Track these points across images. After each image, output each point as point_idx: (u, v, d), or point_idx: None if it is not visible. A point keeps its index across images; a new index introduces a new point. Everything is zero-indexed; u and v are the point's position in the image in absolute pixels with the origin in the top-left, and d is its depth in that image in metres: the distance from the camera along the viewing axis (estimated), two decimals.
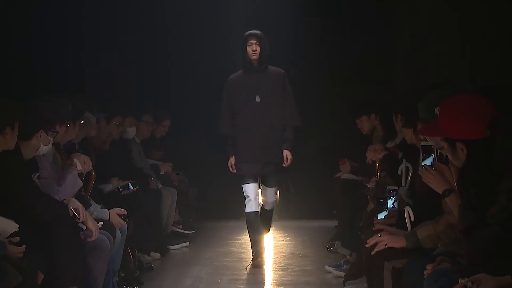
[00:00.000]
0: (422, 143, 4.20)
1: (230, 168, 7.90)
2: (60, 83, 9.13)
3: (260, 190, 8.11)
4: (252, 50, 7.70)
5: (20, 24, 9.56)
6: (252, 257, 7.83)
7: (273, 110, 7.81)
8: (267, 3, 11.03)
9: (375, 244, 4.75)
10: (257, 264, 7.77)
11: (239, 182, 7.96)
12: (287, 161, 7.72)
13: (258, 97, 7.77)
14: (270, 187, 8.06)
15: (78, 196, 5.83)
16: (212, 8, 10.89)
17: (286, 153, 7.73)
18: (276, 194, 8.27)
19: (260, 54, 7.73)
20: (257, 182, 7.93)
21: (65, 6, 10.00)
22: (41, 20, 9.72)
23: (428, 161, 4.13)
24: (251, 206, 7.85)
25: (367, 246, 4.86)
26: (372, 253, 4.77)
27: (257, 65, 7.79)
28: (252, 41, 7.71)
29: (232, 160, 7.86)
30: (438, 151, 4.38)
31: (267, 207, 8.21)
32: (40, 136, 5.43)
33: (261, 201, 8.20)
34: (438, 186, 4.20)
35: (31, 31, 9.63)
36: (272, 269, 7.90)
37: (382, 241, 4.71)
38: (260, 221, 8.04)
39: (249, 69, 7.84)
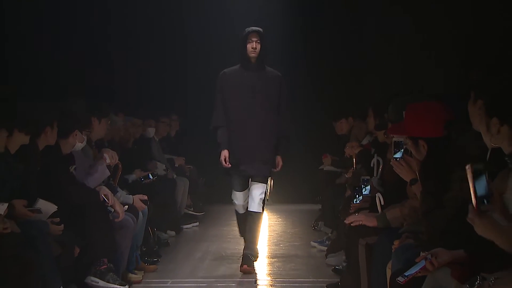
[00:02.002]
0: (394, 139, 4.19)
1: (223, 162, 6.36)
2: (92, 89, 8.99)
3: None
4: (252, 48, 6.37)
5: (47, 34, 9.20)
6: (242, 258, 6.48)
7: (267, 110, 6.44)
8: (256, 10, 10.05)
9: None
10: (243, 270, 6.33)
11: (227, 189, 6.75)
12: (278, 167, 6.58)
13: (254, 95, 6.41)
14: (256, 182, 6.45)
15: (107, 184, 5.86)
16: (229, 12, 9.98)
17: (279, 159, 6.55)
18: (262, 194, 6.50)
19: (260, 53, 6.41)
20: (246, 190, 6.51)
21: (91, 14, 9.73)
22: (68, 29, 9.41)
23: (398, 155, 4.14)
24: (239, 209, 6.69)
25: (345, 222, 4.88)
26: (347, 222, 4.80)
27: (255, 63, 6.45)
28: (253, 38, 6.38)
29: (225, 153, 6.37)
30: (404, 146, 4.40)
31: (252, 208, 6.43)
32: (76, 135, 5.46)
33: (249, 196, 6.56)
34: (406, 176, 4.21)
35: (57, 41, 9.31)
36: (267, 244, 7.88)
37: (358, 219, 4.74)
38: (248, 226, 6.54)
39: (247, 67, 6.46)
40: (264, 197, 6.55)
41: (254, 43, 6.36)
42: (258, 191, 6.44)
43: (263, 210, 6.57)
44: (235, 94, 6.45)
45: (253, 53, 6.38)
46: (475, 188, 2.74)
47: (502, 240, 2.76)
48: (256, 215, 6.47)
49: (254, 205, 6.43)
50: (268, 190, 7.12)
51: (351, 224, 4.78)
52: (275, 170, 6.59)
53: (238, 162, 6.39)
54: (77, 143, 5.51)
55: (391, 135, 4.67)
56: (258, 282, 6.12)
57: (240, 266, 6.33)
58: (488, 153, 3.34)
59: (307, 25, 10.84)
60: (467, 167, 2.79)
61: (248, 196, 6.50)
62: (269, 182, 6.99)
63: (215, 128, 6.51)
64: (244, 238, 6.66)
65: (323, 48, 10.79)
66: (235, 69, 6.53)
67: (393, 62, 9.83)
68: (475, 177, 2.75)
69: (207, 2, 10.39)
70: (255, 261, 6.51)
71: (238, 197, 6.55)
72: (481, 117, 3.35)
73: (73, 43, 9.59)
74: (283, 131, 6.56)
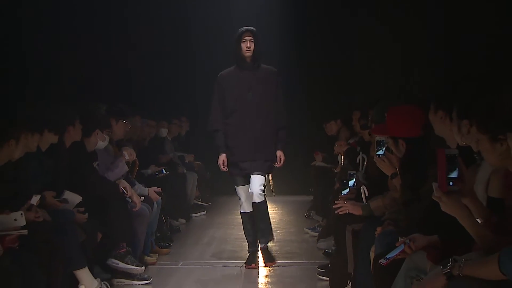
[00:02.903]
0: (377, 138, 4.20)
1: (221, 166, 5.87)
2: (111, 93, 8.75)
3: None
4: (246, 47, 5.72)
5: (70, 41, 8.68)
6: (247, 256, 6.00)
7: (265, 109, 5.81)
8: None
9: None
10: (250, 268, 5.87)
11: (231, 182, 6.07)
12: (280, 161, 5.91)
13: (251, 94, 5.77)
14: (256, 175, 5.84)
15: (126, 178, 5.85)
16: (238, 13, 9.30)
17: (280, 153, 5.88)
18: (262, 184, 5.87)
19: (254, 51, 5.75)
20: (248, 184, 5.90)
21: (108, 23, 9.36)
22: (86, 36, 8.94)
23: (380, 152, 4.15)
24: (244, 208, 6.00)
25: (333, 207, 4.87)
26: (336, 211, 4.78)
27: (250, 63, 5.79)
28: (246, 38, 5.73)
29: (223, 157, 5.85)
30: (386, 144, 4.41)
31: (256, 200, 5.89)
32: (97, 134, 5.46)
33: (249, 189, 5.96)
34: (387, 170, 4.23)
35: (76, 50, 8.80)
36: None
37: (345, 206, 4.74)
38: (255, 219, 6.02)
39: (242, 66, 5.81)
40: (264, 188, 5.92)
41: (248, 42, 5.73)
42: (257, 183, 5.84)
43: (265, 198, 6.00)
44: (233, 94, 5.82)
45: (248, 52, 5.75)
46: (447, 169, 2.75)
47: (464, 219, 2.76)
48: (260, 204, 5.94)
49: (256, 197, 5.87)
50: (272, 186, 6.62)
51: (339, 212, 4.79)
52: (277, 165, 5.94)
53: (238, 161, 5.84)
54: (99, 141, 5.53)
55: (375, 135, 4.70)
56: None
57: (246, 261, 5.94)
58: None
59: (296, 36, 10.70)
60: (439, 150, 2.79)
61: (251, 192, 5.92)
62: (269, 178, 6.42)
63: (212, 131, 5.95)
64: (250, 239, 6.05)
65: (313, 56, 10.71)
66: (231, 70, 5.90)
67: (375, 69, 9.81)
68: (448, 160, 2.75)
69: (216, 5, 10.06)
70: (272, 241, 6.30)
71: (241, 192, 5.95)
72: (443, 124, 3.45)
73: (94, 50, 9.28)
74: (280, 122, 5.90)
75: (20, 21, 7.68)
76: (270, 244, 6.17)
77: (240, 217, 6.14)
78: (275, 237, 6.38)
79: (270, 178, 6.42)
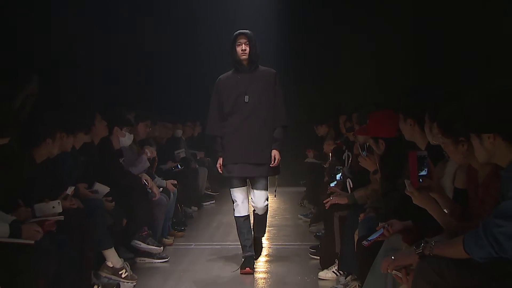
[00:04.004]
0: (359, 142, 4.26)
1: (219, 170, 5.11)
2: (132, 98, 8.59)
3: (251, 193, 5.20)
4: (241, 50, 4.90)
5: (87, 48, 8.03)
6: (242, 262, 5.08)
7: (263, 111, 4.97)
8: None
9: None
10: (245, 272, 4.98)
11: (227, 185, 5.29)
12: (274, 161, 4.98)
13: (248, 97, 4.94)
14: (259, 190, 5.06)
15: (147, 172, 5.86)
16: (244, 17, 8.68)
17: (275, 153, 4.97)
18: (267, 200, 5.13)
19: (250, 54, 4.91)
20: (245, 186, 5.13)
21: (124, 32, 8.88)
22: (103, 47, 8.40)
23: (364, 153, 4.20)
24: (239, 211, 5.10)
25: (323, 202, 4.89)
26: (326, 207, 4.81)
27: (247, 65, 4.97)
28: (241, 41, 4.90)
29: (220, 161, 5.06)
30: (367, 144, 4.41)
31: (259, 212, 5.19)
32: (117, 131, 5.44)
33: (253, 203, 5.18)
34: (370, 167, 4.25)
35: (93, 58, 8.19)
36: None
37: (332, 201, 4.74)
38: (254, 226, 5.28)
39: (239, 70, 4.99)
40: (267, 202, 5.19)
41: (243, 45, 4.90)
42: (261, 199, 5.08)
43: (267, 211, 5.28)
44: (229, 98, 5.00)
45: (243, 55, 4.92)
46: (418, 169, 2.78)
47: (433, 210, 2.80)
48: (264, 215, 5.26)
49: (259, 210, 5.16)
50: (275, 188, 5.73)
51: (328, 203, 4.80)
52: (271, 165, 5.00)
53: (236, 164, 5.00)
54: (120, 138, 5.49)
55: (358, 136, 4.71)
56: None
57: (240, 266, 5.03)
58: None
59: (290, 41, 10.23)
60: (410, 153, 2.82)
61: (249, 194, 5.17)
62: (275, 181, 5.53)
63: (210, 135, 5.20)
64: (245, 243, 5.15)
65: (303, 64, 10.44)
66: (229, 73, 5.08)
67: (360, 77, 9.74)
68: (419, 161, 2.79)
69: (223, 12, 9.46)
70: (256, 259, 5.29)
71: (237, 194, 5.07)
72: (412, 130, 3.49)
73: (123, 60, 8.99)
74: (278, 121, 5.04)
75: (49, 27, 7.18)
76: (266, 228, 5.58)
77: None
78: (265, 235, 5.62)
79: (276, 182, 5.37)
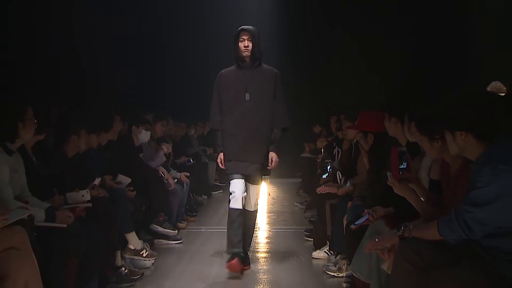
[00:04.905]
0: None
1: (220, 164, 4.44)
2: (150, 100, 8.47)
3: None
4: (244, 46, 4.23)
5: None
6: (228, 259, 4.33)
7: (262, 110, 4.30)
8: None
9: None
10: (230, 267, 4.21)
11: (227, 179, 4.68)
12: (271, 163, 4.36)
13: (248, 95, 4.27)
14: (252, 184, 4.41)
15: (164, 165, 5.86)
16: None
17: (272, 155, 4.34)
18: (258, 194, 4.49)
19: (253, 51, 4.24)
20: (243, 179, 4.35)
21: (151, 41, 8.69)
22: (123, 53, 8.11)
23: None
24: (235, 202, 4.31)
25: (317, 191, 4.90)
26: (318, 191, 4.82)
27: (249, 62, 4.29)
28: (244, 37, 4.24)
29: (222, 155, 4.40)
30: (355, 140, 4.40)
31: (249, 208, 4.44)
32: (135, 130, 5.43)
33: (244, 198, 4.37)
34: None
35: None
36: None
37: (324, 190, 4.75)
38: (244, 223, 4.38)
39: (241, 66, 4.32)
40: (259, 197, 4.55)
41: (245, 41, 4.24)
42: (253, 193, 4.43)
43: (257, 207, 4.58)
44: (230, 94, 4.33)
45: (246, 51, 4.25)
46: (398, 162, 2.80)
47: (411, 198, 2.82)
48: (251, 214, 4.49)
49: (250, 206, 4.45)
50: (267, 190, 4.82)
51: (320, 191, 4.81)
52: (269, 167, 4.39)
53: (233, 160, 4.34)
54: (138, 135, 5.48)
55: (348, 132, 4.74)
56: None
57: (239, 264, 4.25)
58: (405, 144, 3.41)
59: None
60: (392, 148, 2.84)
61: (245, 190, 4.38)
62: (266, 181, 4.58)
63: (213, 130, 4.56)
64: (233, 238, 4.34)
65: (297, 67, 10.10)
66: (231, 69, 4.40)
67: (348, 82, 9.64)
68: (399, 156, 2.81)
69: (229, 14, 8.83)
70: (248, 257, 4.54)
71: (236, 184, 4.32)
72: (396, 128, 3.47)
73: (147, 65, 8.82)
74: (277, 123, 4.37)
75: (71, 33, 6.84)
76: (267, 213, 5.44)
77: None
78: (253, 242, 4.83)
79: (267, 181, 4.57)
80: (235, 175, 4.35)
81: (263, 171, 4.41)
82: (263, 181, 4.59)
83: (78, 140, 4.06)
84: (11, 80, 5.56)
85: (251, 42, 4.25)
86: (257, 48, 4.28)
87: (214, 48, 9.42)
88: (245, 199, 4.37)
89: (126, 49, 8.49)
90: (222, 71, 4.43)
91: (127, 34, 8.37)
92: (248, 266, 4.46)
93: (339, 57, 9.77)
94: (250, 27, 4.30)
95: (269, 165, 4.37)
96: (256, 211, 4.56)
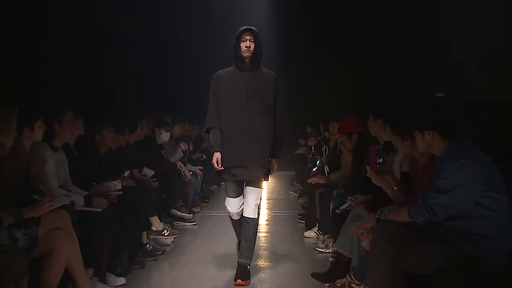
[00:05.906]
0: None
1: (215, 165, 3.44)
2: (169, 104, 8.06)
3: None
4: (245, 47, 3.38)
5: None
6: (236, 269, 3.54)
7: (261, 113, 3.40)
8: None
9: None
10: (238, 284, 3.38)
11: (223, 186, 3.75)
12: (272, 170, 3.53)
13: (247, 97, 3.38)
14: (252, 186, 3.51)
15: (181, 160, 5.85)
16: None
17: (274, 162, 3.52)
18: (258, 199, 3.54)
19: (254, 52, 3.40)
20: (240, 196, 3.54)
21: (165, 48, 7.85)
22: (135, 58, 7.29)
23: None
24: (233, 216, 3.62)
25: (308, 181, 4.91)
26: (309, 181, 4.82)
27: (249, 64, 3.43)
28: (246, 37, 3.40)
29: (218, 155, 3.43)
30: (340, 140, 4.42)
31: (249, 214, 3.51)
32: (157, 131, 5.42)
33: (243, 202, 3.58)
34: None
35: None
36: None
37: (314, 180, 4.76)
38: (243, 235, 3.57)
39: (240, 67, 3.44)
40: (260, 202, 3.60)
41: (248, 41, 3.40)
42: (253, 196, 3.51)
43: (258, 215, 3.60)
44: (229, 96, 3.43)
45: (247, 52, 3.40)
46: (376, 158, 2.83)
47: (386, 187, 2.84)
48: (252, 221, 3.53)
49: (249, 211, 3.52)
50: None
51: (311, 182, 4.83)
52: (270, 173, 3.56)
53: (231, 166, 3.44)
54: (159, 135, 5.43)
55: (333, 136, 4.75)
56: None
57: (235, 279, 3.42)
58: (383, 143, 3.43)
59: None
60: (370, 146, 2.87)
61: (243, 203, 3.55)
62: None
63: (208, 129, 3.52)
64: (238, 245, 3.72)
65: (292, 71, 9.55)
66: (229, 70, 3.51)
67: (340, 88, 9.30)
68: (377, 152, 2.84)
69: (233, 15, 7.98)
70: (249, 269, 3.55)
71: (232, 204, 3.54)
72: (379, 128, 3.42)
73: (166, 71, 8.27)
74: (278, 132, 3.51)
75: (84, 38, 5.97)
76: (266, 200, 5.01)
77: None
78: (251, 262, 3.62)
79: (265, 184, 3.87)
80: (230, 192, 3.52)
81: (264, 175, 3.49)
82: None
83: (102, 137, 4.03)
84: (45, 83, 5.14)
85: (254, 43, 3.42)
86: (258, 50, 3.44)
87: (224, 55, 9.25)
88: (244, 204, 3.54)
89: (151, 61, 8.01)
90: (219, 71, 3.52)
91: (149, 46, 7.85)
92: (248, 282, 3.43)
93: (327, 73, 9.41)
94: (253, 27, 3.47)
95: (271, 171, 3.53)
96: (257, 219, 3.56)
